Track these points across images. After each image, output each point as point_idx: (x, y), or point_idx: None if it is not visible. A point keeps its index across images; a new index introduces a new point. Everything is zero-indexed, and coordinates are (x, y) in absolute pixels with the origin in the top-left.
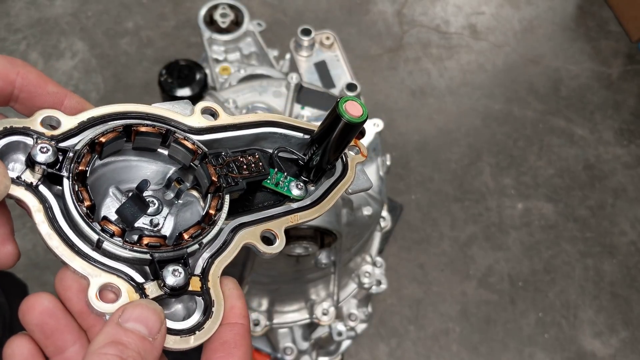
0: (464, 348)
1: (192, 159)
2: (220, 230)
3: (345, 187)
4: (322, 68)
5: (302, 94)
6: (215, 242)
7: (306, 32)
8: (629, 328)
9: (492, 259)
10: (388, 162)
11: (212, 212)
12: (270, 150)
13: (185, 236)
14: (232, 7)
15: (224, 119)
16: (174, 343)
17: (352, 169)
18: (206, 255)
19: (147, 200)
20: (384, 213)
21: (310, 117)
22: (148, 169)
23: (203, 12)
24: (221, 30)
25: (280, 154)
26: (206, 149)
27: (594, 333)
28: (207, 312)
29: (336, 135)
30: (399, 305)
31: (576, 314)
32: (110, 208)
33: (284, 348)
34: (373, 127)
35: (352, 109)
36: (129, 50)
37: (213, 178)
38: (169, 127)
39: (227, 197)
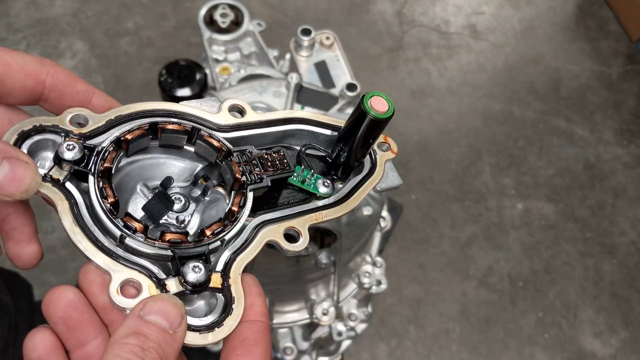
0: (464, 348)
1: (217, 157)
2: (244, 227)
3: (373, 184)
4: (322, 68)
5: (302, 94)
6: (238, 239)
7: (306, 32)
8: (629, 328)
9: (492, 259)
10: None
11: (234, 209)
12: (298, 148)
13: (207, 232)
14: (232, 7)
15: (251, 116)
16: (193, 339)
17: (380, 166)
18: (228, 252)
19: (172, 197)
20: (384, 213)
21: None
22: (175, 166)
23: (203, 12)
24: (221, 30)
25: (308, 151)
26: (231, 146)
27: (594, 333)
28: (227, 310)
29: (362, 132)
30: (399, 305)
31: (576, 314)
32: (137, 205)
33: (284, 348)
34: None
35: (378, 105)
36: (129, 50)
37: (237, 175)
38: (194, 124)
39: (250, 194)
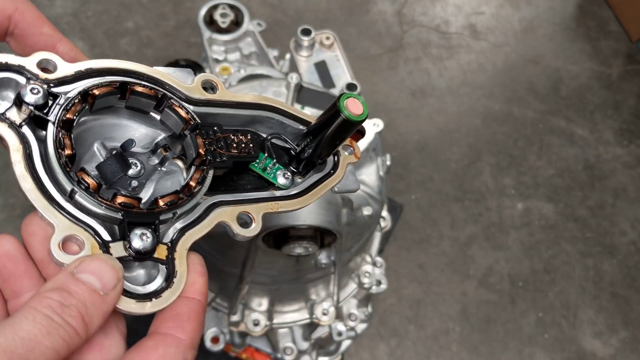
0: (464, 348)
1: (183, 128)
2: (198, 204)
3: (332, 184)
4: (322, 68)
5: (302, 94)
6: (190, 214)
7: (306, 32)
8: (629, 328)
9: (492, 259)
10: (388, 162)
11: (192, 184)
12: (264, 135)
13: (161, 202)
14: (232, 7)
15: (222, 94)
16: (129, 306)
17: (342, 167)
18: (178, 226)
19: (129, 161)
20: (384, 213)
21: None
22: (137, 131)
23: (203, 12)
24: (221, 30)
25: (274, 141)
26: (199, 121)
27: (594, 333)
28: (167, 282)
29: (332, 131)
30: (399, 305)
31: (576, 314)
32: (90, 162)
33: (284, 348)
34: (373, 127)
35: (353, 107)
36: (129, 50)
37: (200, 150)
38: (165, 92)
39: (210, 172)
